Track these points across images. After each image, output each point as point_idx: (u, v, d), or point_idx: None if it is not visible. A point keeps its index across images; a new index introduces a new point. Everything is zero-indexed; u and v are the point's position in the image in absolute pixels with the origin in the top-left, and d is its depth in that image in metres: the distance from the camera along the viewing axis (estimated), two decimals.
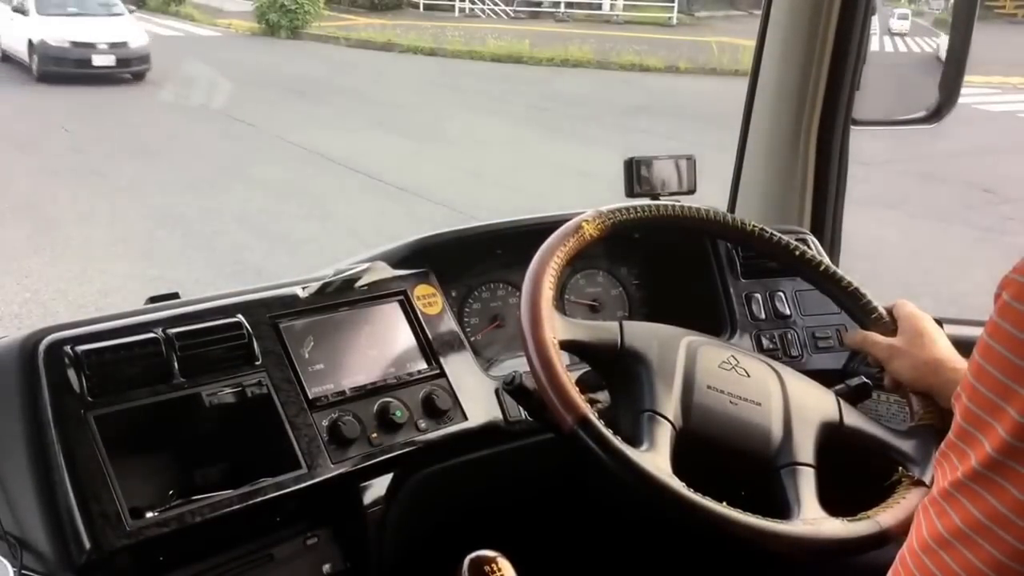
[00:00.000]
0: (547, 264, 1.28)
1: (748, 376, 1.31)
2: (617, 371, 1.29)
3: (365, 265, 1.52)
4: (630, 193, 1.66)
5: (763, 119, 1.96)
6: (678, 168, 1.72)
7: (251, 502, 1.25)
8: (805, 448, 1.26)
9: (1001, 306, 0.72)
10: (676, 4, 24.75)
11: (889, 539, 1.16)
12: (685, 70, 17.48)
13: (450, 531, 1.39)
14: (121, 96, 13.34)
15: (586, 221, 1.36)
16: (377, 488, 1.40)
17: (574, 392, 1.17)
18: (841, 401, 1.34)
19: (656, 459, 1.16)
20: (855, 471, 1.28)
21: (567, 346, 1.25)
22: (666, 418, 1.22)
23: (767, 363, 1.36)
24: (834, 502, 1.21)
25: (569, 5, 24.85)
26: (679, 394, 1.25)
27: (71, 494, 1.15)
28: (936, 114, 1.82)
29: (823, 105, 1.91)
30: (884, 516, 1.19)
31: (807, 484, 1.22)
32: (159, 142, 10.45)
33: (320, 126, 11.57)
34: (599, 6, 25.57)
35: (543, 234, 1.33)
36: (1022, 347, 0.70)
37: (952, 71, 1.77)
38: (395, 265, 1.56)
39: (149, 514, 1.20)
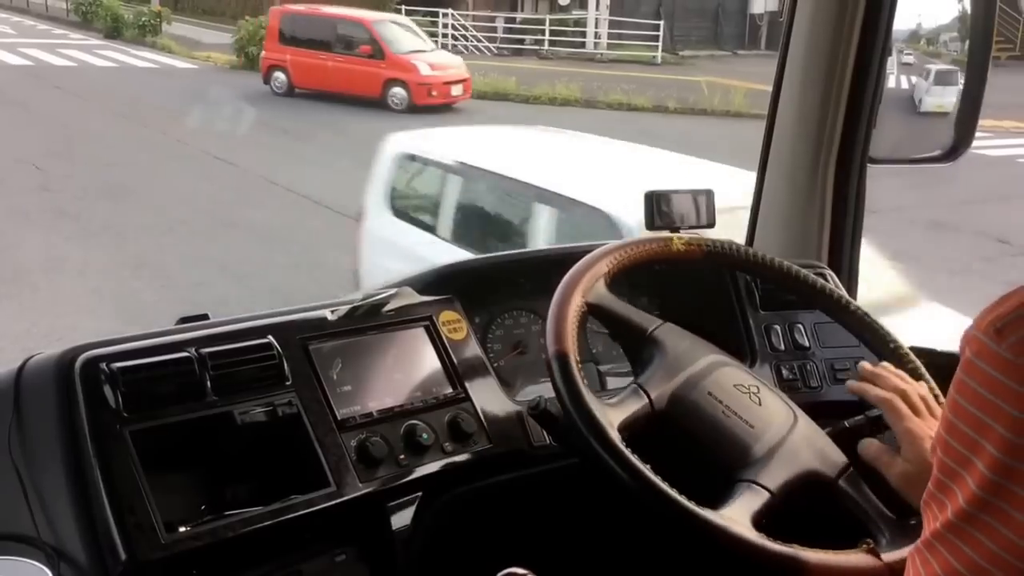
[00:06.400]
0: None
1: (759, 405, 1.42)
2: (637, 352, 1.45)
3: (392, 290, 1.62)
4: (650, 226, 1.75)
5: (781, 155, 2.08)
6: (697, 202, 1.81)
7: (282, 518, 1.35)
8: (774, 477, 1.33)
9: (965, 363, 0.78)
10: (661, 43, 25.23)
11: (800, 568, 1.21)
12: (674, 110, 17.76)
13: (476, 552, 1.49)
14: (95, 130, 13.42)
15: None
16: (404, 508, 1.49)
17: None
18: (850, 467, 1.40)
19: (611, 412, 1.29)
20: (821, 521, 1.35)
21: (598, 312, 1.42)
22: (647, 395, 1.36)
23: (791, 407, 1.46)
24: (774, 531, 1.27)
25: (552, 43, 25.30)
26: (674, 386, 1.39)
27: (107, 506, 1.24)
28: (951, 153, 1.91)
29: (840, 142, 2.02)
30: (810, 553, 1.23)
31: (753, 500, 1.29)
32: (135, 181, 10.47)
33: (305, 165, 11.65)
34: (582, 44, 26.06)
35: (564, 263, 1.44)
36: (988, 405, 0.75)
37: (967, 110, 1.86)
38: (421, 291, 1.67)
39: (182, 528, 1.28)
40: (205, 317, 1.53)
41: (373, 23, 18.26)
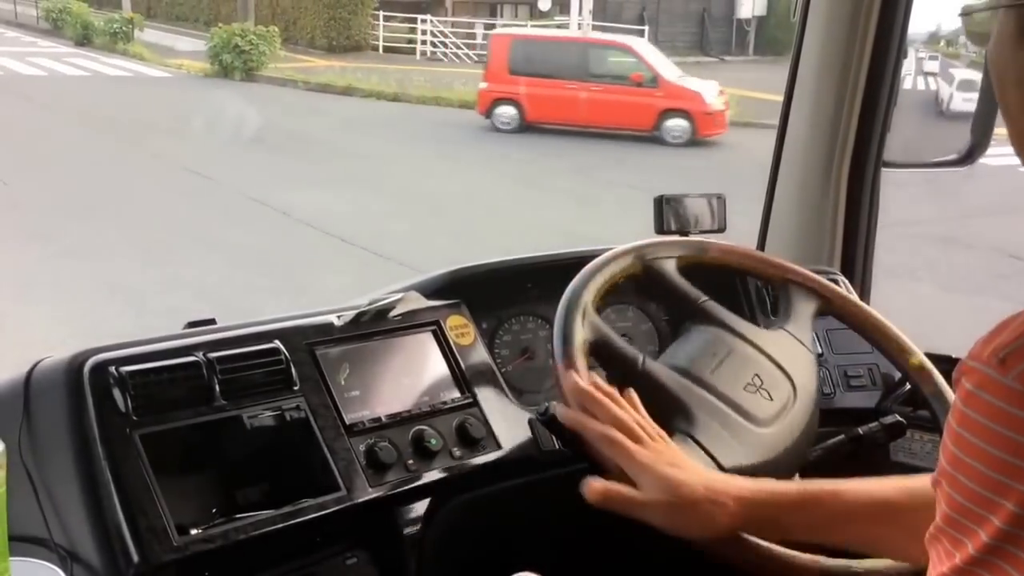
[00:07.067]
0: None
1: (753, 396, 1.43)
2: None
3: (399, 295, 1.67)
4: (660, 230, 1.79)
5: (794, 160, 2.13)
6: (709, 206, 1.85)
7: (293, 521, 1.39)
8: (687, 417, 1.37)
9: (965, 395, 0.77)
10: None
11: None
12: None
13: (486, 556, 1.54)
14: (62, 144, 13.33)
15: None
16: (414, 513, 1.54)
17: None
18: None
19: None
20: None
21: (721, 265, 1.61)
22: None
23: (785, 420, 1.45)
24: None
25: None
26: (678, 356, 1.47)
27: (119, 509, 1.28)
28: (968, 156, 1.96)
29: (854, 147, 2.07)
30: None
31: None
32: (106, 198, 10.31)
33: (286, 180, 11.51)
34: None
35: (572, 269, 1.48)
36: (1005, 441, 0.74)
37: (984, 113, 1.91)
38: (428, 296, 1.72)
39: (194, 530, 1.33)
40: (212, 322, 1.57)
41: (635, 46, 16.33)
